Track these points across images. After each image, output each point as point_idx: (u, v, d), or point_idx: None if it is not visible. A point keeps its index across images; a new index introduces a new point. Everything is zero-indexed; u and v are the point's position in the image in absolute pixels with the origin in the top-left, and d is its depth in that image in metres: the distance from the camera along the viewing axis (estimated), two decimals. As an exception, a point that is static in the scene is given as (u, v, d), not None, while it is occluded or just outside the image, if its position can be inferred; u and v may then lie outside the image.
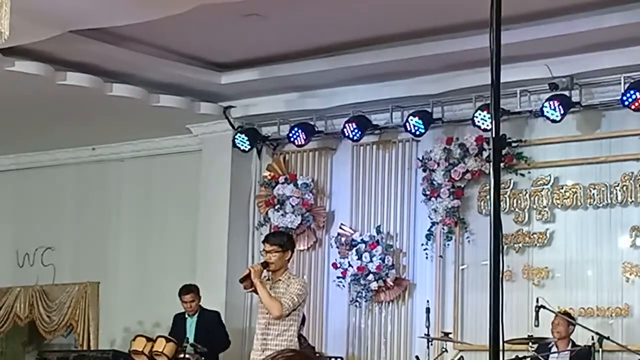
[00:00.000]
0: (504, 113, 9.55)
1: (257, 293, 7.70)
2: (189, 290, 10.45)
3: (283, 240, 7.85)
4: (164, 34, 9.65)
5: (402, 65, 9.93)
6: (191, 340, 10.28)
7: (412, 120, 10.27)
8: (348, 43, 9.86)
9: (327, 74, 10.31)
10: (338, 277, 10.85)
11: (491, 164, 3.93)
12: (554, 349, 8.99)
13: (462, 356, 9.71)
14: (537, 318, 8.86)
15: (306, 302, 8.32)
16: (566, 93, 9.58)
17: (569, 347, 8.91)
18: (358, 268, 10.59)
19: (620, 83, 9.36)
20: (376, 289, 10.59)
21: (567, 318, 9.04)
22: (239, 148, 11.36)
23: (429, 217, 10.48)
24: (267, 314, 7.60)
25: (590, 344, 8.61)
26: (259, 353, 7.62)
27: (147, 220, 12.61)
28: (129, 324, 12.32)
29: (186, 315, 10.50)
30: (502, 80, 3.97)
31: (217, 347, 10.39)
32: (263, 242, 8.03)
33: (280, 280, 7.67)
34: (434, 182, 10.40)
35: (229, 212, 11.55)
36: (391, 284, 10.58)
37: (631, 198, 9.62)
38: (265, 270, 7.74)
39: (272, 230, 10.86)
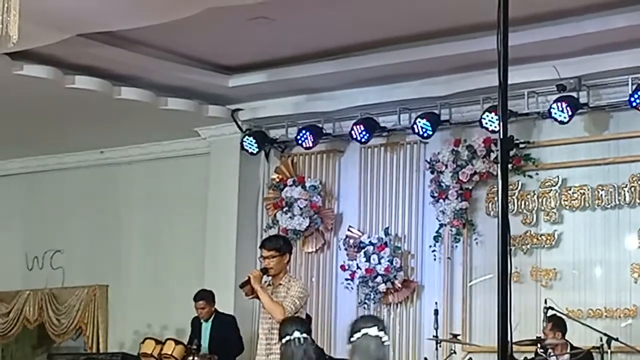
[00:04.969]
0: (512, 115, 9.56)
1: (258, 299, 7.67)
2: (202, 297, 10.46)
3: (279, 244, 7.73)
4: (172, 37, 9.67)
5: (410, 67, 9.94)
6: (205, 344, 10.29)
7: (419, 122, 10.27)
8: (355, 45, 9.87)
9: (334, 76, 10.32)
10: (346, 279, 10.86)
11: (499, 165, 3.94)
12: (552, 352, 8.96)
13: (470, 358, 9.71)
14: (545, 319, 8.84)
15: (307, 304, 8.30)
16: (574, 94, 9.58)
17: (567, 350, 8.88)
18: (366, 270, 10.60)
19: (627, 84, 9.36)
20: (384, 291, 10.60)
21: (551, 324, 8.95)
22: (247, 151, 11.36)
23: (437, 218, 10.48)
24: (269, 318, 7.56)
25: (597, 346, 8.59)
26: (263, 358, 7.60)
27: (155, 223, 12.63)
28: (138, 327, 12.35)
29: (201, 320, 10.52)
30: (509, 82, 3.98)
31: (231, 352, 10.40)
32: (260, 247, 7.92)
33: (281, 284, 7.63)
34: (442, 184, 10.40)
35: (237, 214, 11.56)
36: (399, 285, 10.59)
37: (639, 199, 9.61)
38: (265, 276, 7.70)
39: (278, 233, 10.87)
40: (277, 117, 11.34)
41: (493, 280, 3.98)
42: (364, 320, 5.05)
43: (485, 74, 9.43)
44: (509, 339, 3.80)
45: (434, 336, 9.69)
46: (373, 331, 4.86)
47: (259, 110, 11.41)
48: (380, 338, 4.87)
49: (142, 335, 11.62)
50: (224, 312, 10.58)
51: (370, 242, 10.76)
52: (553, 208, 10.03)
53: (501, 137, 3.96)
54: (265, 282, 7.75)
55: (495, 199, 9.98)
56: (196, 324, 10.55)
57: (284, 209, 11.26)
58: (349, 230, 11.03)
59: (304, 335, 6.03)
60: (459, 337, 9.78)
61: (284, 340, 6.06)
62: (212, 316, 10.48)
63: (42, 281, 13.37)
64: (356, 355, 4.85)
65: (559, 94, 9.58)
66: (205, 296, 10.46)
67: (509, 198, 9.84)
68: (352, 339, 4.91)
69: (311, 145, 10.97)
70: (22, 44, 7.28)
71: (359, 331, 4.88)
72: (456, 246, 10.46)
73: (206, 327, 10.48)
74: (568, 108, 9.46)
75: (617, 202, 9.71)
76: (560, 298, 9.45)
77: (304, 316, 7.80)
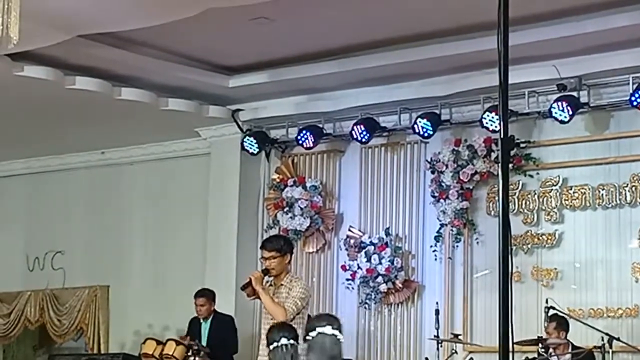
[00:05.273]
0: (512, 114, 9.56)
1: (260, 299, 7.66)
2: (203, 294, 10.49)
3: (280, 244, 7.68)
4: (172, 38, 9.67)
5: (410, 67, 9.94)
6: (204, 343, 10.30)
7: (420, 122, 10.27)
8: (356, 45, 9.87)
9: (335, 76, 10.33)
10: (347, 280, 10.86)
11: (500, 165, 3.94)
12: (554, 352, 8.95)
13: (471, 358, 9.71)
14: (546, 319, 8.84)
15: (309, 304, 8.29)
16: (574, 94, 9.58)
17: (569, 350, 8.87)
18: (367, 270, 10.60)
19: (628, 83, 9.35)
20: (385, 291, 10.60)
21: (555, 323, 8.92)
22: (248, 151, 11.37)
23: (438, 218, 10.48)
24: (271, 319, 7.55)
25: (599, 346, 8.58)
26: (265, 359, 7.59)
27: (156, 223, 12.63)
28: (139, 327, 12.35)
29: (200, 320, 10.53)
30: (510, 82, 3.98)
31: (229, 352, 10.41)
32: (261, 248, 7.87)
33: (282, 284, 7.61)
34: (443, 184, 10.40)
35: (238, 215, 11.56)
36: (400, 286, 10.59)
37: (640, 198, 9.63)
38: (266, 276, 7.69)
39: (278, 234, 10.87)
40: (277, 118, 11.34)
41: (494, 280, 3.97)
42: (319, 319, 5.28)
43: (486, 74, 9.44)
44: (510, 338, 3.80)
45: (435, 336, 9.68)
46: (328, 330, 5.12)
47: (259, 110, 11.41)
48: (335, 336, 5.14)
49: (143, 336, 11.62)
50: (222, 312, 10.59)
51: (371, 242, 10.76)
52: (554, 208, 10.03)
53: (502, 136, 3.96)
54: (267, 282, 7.74)
55: (496, 198, 9.98)
56: (195, 323, 10.56)
57: (285, 209, 11.27)
58: (349, 230, 11.04)
59: (291, 342, 6.08)
60: (460, 337, 9.78)
61: (271, 347, 6.12)
62: (212, 316, 10.50)
63: (43, 282, 13.37)
64: (312, 352, 5.10)
65: (559, 93, 9.58)
66: (206, 294, 10.49)
67: (510, 198, 9.84)
68: (307, 338, 5.17)
69: (312, 145, 10.97)
70: (23, 45, 7.29)
71: (314, 330, 5.13)
72: (457, 246, 10.46)
73: (205, 327, 10.50)
74: (568, 107, 9.46)
75: (618, 202, 9.71)
76: (562, 298, 9.45)
77: (305, 317, 7.79)
